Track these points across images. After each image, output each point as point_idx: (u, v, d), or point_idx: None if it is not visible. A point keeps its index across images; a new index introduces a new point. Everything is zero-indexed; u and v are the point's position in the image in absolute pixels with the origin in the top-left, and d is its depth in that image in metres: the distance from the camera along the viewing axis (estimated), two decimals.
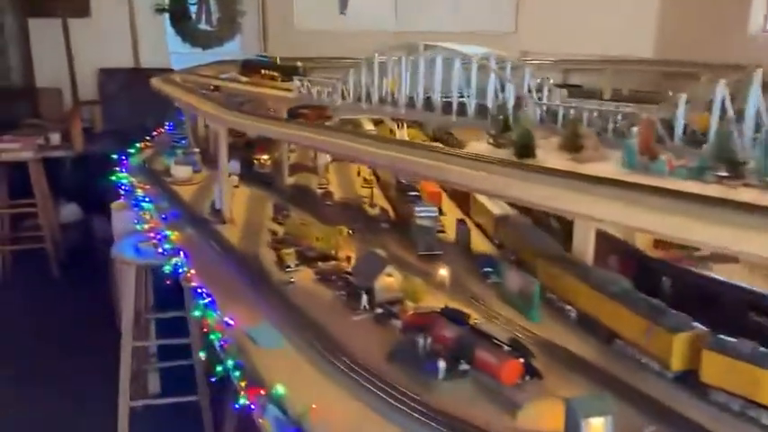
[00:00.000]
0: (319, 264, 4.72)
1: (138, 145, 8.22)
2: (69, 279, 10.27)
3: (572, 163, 3.28)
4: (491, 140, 3.82)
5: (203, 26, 12.78)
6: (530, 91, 4.50)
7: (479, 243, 5.17)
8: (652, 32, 13.20)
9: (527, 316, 3.86)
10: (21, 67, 11.95)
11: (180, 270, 4.78)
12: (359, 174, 7.60)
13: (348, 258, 4.76)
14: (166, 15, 12.64)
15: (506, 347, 3.14)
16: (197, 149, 7.55)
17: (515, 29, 14.47)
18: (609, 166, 3.22)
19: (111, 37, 12.42)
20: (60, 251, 10.69)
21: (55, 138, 10.78)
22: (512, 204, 5.23)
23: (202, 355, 4.15)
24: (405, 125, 8.34)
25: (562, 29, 12.91)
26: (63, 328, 8.72)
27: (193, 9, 12.68)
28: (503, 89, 4.55)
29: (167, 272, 4.88)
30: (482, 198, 5.40)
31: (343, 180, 7.46)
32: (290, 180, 7.30)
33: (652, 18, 13.23)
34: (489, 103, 4.54)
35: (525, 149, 3.29)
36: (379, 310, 3.90)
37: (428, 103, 5.05)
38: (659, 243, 4.58)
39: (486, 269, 4.51)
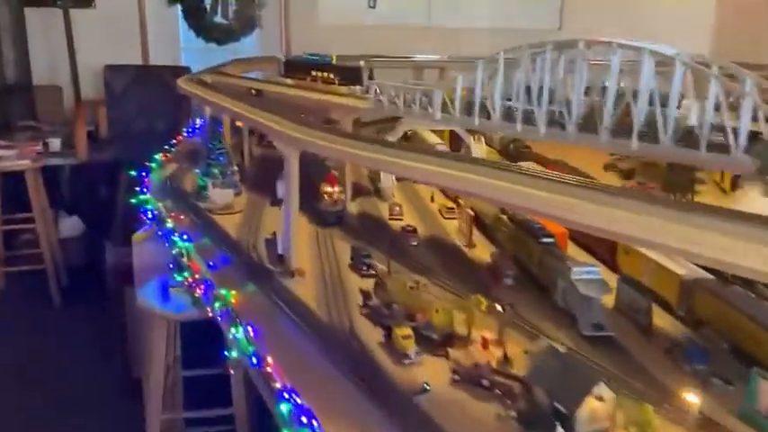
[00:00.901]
0: (449, 351, 3.31)
1: (157, 157, 6.86)
2: (72, 307, 9.00)
3: None
4: None
5: (219, 19, 11.71)
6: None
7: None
8: (709, 32, 12.08)
9: None
10: (16, 62, 10.69)
11: (249, 358, 3.37)
12: (432, 199, 6.18)
13: (485, 343, 3.37)
14: (178, 7, 11.43)
15: None
16: (236, 167, 6.13)
17: (560, 25, 13.54)
18: None
19: (117, 30, 11.12)
20: (61, 272, 9.31)
21: (55, 143, 9.64)
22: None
23: None
24: (482, 138, 6.94)
25: (611, 26, 11.70)
26: (66, 374, 7.40)
27: (208, 1, 11.47)
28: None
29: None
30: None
31: (416, 206, 6.03)
32: (351, 206, 5.90)
33: (709, 16, 12.12)
34: (694, 123, 3.16)
35: None
36: None
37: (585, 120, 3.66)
38: None
39: (697, 365, 3.11)
